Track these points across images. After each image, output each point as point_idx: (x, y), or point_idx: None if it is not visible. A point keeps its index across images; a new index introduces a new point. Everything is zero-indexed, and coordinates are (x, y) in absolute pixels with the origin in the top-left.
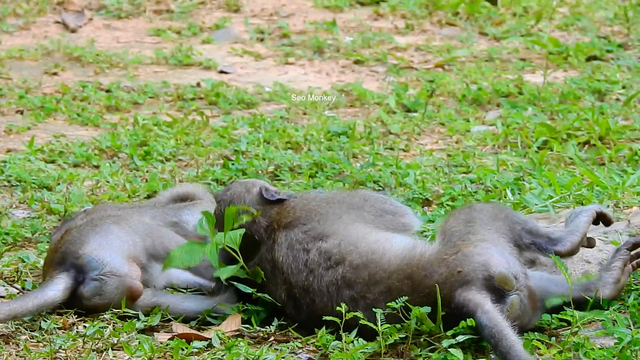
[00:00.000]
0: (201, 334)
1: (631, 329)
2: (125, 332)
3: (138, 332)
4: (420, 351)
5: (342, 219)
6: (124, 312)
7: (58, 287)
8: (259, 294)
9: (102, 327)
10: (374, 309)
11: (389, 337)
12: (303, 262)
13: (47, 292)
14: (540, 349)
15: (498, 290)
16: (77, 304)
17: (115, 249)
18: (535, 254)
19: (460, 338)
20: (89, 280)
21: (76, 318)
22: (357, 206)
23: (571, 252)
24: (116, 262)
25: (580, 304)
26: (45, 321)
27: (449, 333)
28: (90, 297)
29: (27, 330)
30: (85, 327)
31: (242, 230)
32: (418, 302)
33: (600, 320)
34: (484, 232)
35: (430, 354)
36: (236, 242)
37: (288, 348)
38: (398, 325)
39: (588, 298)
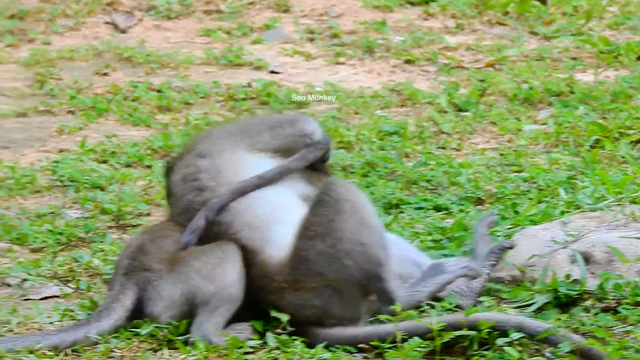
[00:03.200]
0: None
1: None
2: (181, 331)
3: None
4: (475, 350)
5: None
6: None
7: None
8: None
9: (157, 327)
10: (423, 309)
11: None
12: None
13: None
14: None
15: None
16: None
17: None
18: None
19: (515, 335)
20: None
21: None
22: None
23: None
24: None
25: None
26: None
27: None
28: None
29: None
30: (140, 327)
31: None
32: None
33: None
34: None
35: (485, 352)
36: None
37: (342, 347)
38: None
39: None
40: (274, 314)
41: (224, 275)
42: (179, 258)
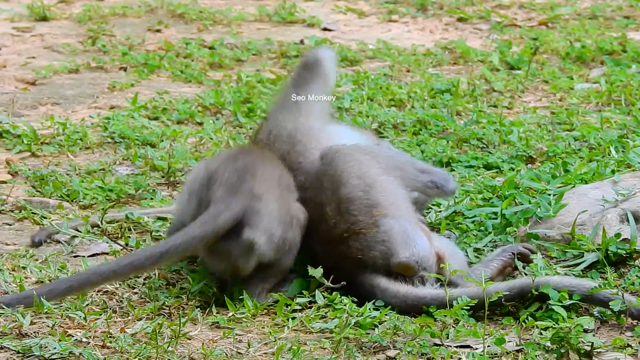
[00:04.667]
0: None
1: None
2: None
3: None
4: (526, 308)
5: None
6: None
7: None
8: None
9: (206, 284)
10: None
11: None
12: None
13: None
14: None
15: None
16: None
17: None
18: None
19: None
20: None
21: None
22: None
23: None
24: None
25: None
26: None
27: None
28: None
29: (129, 287)
30: (189, 284)
31: None
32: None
33: None
34: (386, 203)
35: (536, 312)
36: None
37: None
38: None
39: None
40: (311, 272)
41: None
42: (286, 198)
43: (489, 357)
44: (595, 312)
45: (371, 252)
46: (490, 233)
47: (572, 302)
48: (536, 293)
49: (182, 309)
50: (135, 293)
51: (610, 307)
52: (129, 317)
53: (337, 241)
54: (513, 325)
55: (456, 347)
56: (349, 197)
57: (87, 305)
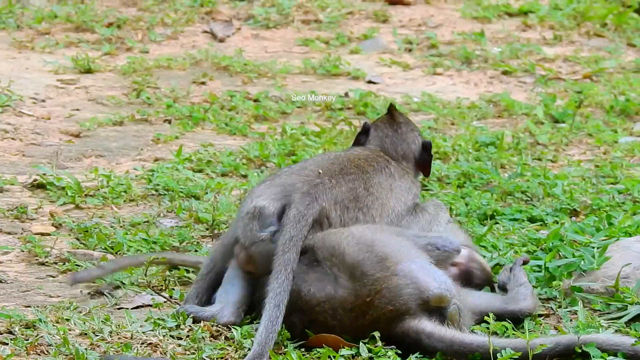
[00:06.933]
0: (349, 342)
1: None
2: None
3: (287, 339)
4: None
5: None
6: None
7: None
8: None
9: (250, 331)
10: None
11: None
12: None
13: None
14: None
15: (436, 309)
16: None
17: None
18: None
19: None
20: None
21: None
22: None
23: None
24: None
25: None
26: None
27: None
28: None
29: (173, 339)
30: (233, 333)
31: None
32: (361, 333)
33: None
34: (394, 252)
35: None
36: None
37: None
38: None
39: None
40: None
41: None
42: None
43: None
44: None
45: (400, 298)
46: (535, 287)
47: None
48: (580, 351)
49: (224, 359)
50: (180, 345)
51: None
52: None
53: (365, 308)
54: None
55: None
56: (357, 261)
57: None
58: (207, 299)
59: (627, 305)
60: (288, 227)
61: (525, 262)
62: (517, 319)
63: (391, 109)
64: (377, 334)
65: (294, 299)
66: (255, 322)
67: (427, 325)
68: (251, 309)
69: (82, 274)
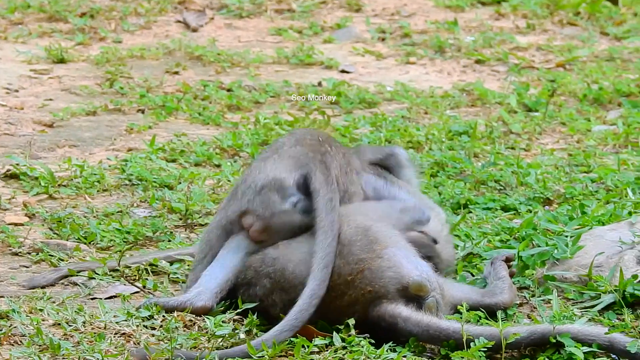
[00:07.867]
0: (322, 332)
1: None
2: (247, 328)
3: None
4: (543, 351)
5: None
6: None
7: None
8: None
9: (223, 322)
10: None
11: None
12: None
13: None
14: None
15: (414, 297)
16: None
17: None
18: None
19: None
20: None
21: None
22: None
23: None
24: None
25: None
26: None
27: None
28: None
29: (147, 329)
30: (207, 322)
31: None
32: (334, 319)
33: None
34: (383, 237)
35: (552, 356)
36: None
37: (408, 347)
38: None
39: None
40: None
41: None
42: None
43: None
44: (613, 355)
45: (381, 280)
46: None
47: (590, 349)
48: (554, 341)
49: (200, 350)
50: (153, 335)
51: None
52: None
53: (344, 289)
54: None
55: None
56: (349, 241)
57: (105, 347)
58: None
59: (600, 294)
60: (323, 190)
61: (508, 260)
62: (493, 312)
63: None
64: (351, 322)
65: (277, 278)
66: (228, 311)
67: (403, 310)
68: (230, 296)
69: (39, 279)
